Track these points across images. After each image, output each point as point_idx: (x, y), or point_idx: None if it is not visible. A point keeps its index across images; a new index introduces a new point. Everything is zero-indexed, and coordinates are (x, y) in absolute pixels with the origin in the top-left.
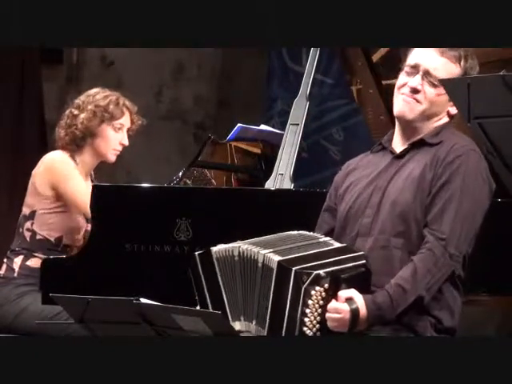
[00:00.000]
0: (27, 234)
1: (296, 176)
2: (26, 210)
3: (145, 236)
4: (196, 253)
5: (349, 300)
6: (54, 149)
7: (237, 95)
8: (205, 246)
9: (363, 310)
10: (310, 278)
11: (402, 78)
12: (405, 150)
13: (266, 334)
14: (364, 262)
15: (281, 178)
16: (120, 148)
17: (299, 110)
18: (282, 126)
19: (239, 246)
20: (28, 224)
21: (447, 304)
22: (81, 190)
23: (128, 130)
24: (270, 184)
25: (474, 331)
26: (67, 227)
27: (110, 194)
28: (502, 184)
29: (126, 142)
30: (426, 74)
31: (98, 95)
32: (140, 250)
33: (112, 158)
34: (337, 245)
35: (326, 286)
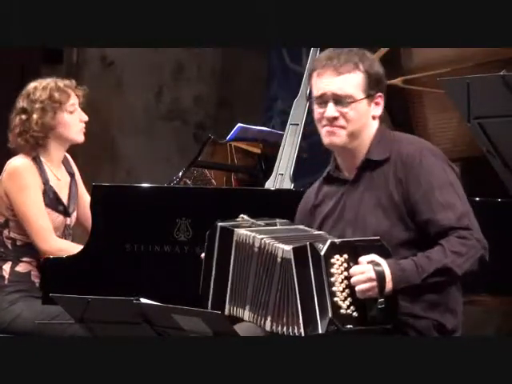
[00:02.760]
0: (8, 242)
1: (296, 176)
2: (0, 218)
3: (145, 236)
4: (219, 224)
5: (371, 262)
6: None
7: (237, 95)
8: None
9: (387, 271)
10: (326, 246)
11: (317, 110)
12: (356, 175)
13: (300, 320)
14: (379, 238)
15: (281, 178)
16: (83, 125)
17: (299, 110)
18: (282, 126)
19: (261, 238)
20: (6, 232)
21: (450, 307)
22: (31, 203)
23: (79, 105)
24: (270, 184)
25: (474, 331)
26: None
27: (110, 194)
28: (502, 184)
29: (85, 117)
30: (335, 97)
31: (36, 91)
32: (140, 250)
33: (81, 137)
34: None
35: (346, 256)
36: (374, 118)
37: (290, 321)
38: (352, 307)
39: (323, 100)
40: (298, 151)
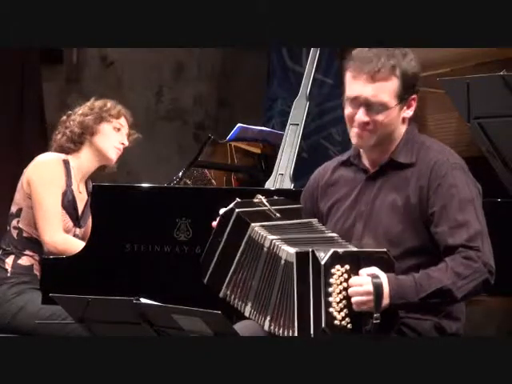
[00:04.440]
0: (14, 232)
1: (296, 176)
2: (13, 208)
3: (145, 236)
4: (237, 210)
5: (371, 275)
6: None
7: (237, 95)
8: (205, 247)
9: (386, 286)
10: (327, 255)
11: (348, 109)
12: (377, 171)
13: (295, 325)
14: (386, 250)
15: (281, 178)
16: (121, 147)
17: (299, 110)
18: (282, 126)
19: (272, 240)
20: (15, 222)
21: (454, 315)
22: (50, 196)
23: (127, 136)
24: (270, 184)
25: (474, 331)
26: None
27: (110, 194)
28: (502, 184)
29: (127, 142)
30: (368, 104)
31: (95, 100)
32: (140, 250)
33: (113, 155)
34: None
35: (347, 267)
36: (404, 120)
37: (287, 324)
38: (347, 319)
39: (355, 102)
40: (298, 151)
